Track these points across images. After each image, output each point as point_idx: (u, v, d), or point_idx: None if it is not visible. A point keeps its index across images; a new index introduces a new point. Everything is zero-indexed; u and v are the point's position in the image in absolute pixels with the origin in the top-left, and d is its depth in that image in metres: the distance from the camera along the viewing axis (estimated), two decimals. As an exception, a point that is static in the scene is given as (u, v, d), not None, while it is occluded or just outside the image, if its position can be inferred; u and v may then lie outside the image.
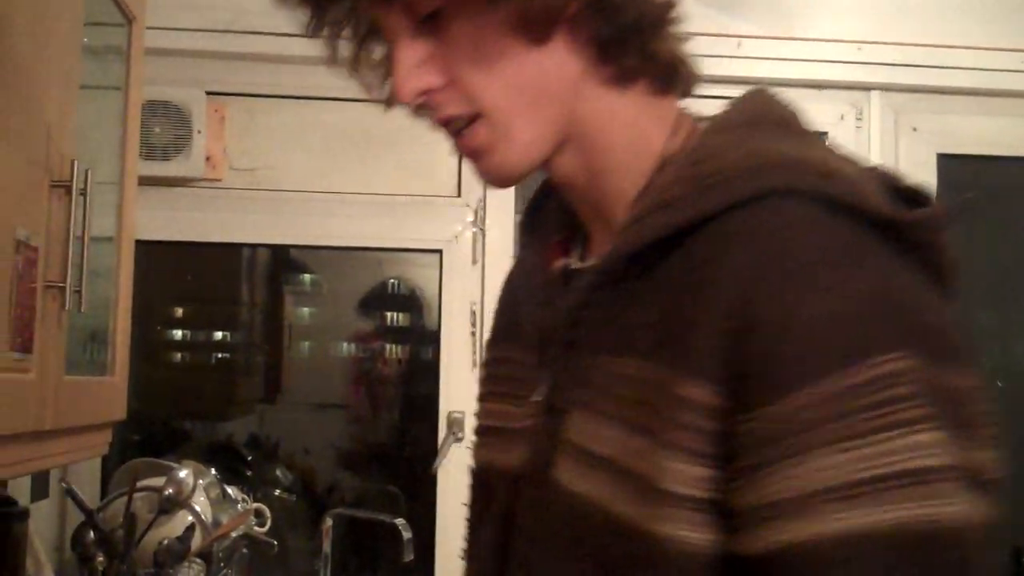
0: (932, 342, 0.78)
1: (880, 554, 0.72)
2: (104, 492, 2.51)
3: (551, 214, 1.06)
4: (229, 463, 2.83)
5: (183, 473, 2.14)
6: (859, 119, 2.98)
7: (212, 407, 3.32)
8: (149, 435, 3.03)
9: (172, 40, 2.64)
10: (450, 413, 2.82)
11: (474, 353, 2.84)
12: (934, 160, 2.99)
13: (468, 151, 0.93)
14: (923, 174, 2.96)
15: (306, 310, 3.49)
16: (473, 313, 2.85)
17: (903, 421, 0.74)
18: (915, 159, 2.97)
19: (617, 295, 0.89)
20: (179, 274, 3.28)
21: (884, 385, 0.74)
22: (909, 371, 0.75)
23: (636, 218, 0.89)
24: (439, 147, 2.92)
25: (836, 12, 2.96)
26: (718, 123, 0.92)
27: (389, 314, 3.28)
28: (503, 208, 2.87)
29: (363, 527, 2.80)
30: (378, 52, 0.97)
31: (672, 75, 0.93)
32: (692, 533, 0.79)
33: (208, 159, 2.73)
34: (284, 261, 3.34)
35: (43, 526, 2.42)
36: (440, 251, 2.87)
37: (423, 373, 3.04)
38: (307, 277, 3.43)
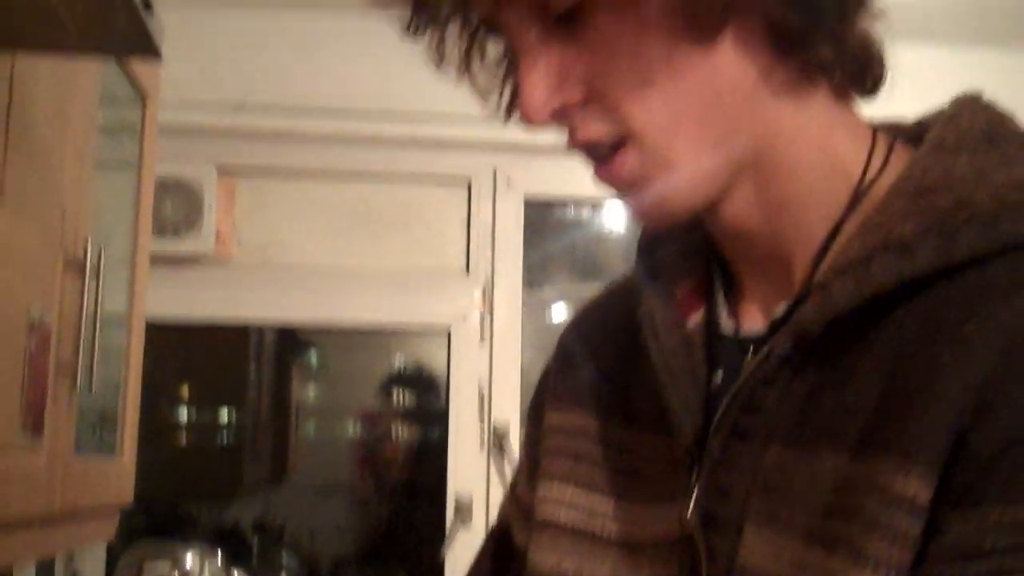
0: None
1: None
2: (109, 576, 2.46)
3: (673, 259, 0.82)
4: (235, 547, 2.78)
5: (189, 558, 2.10)
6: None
7: (218, 489, 3.28)
8: (154, 518, 2.99)
9: (184, 117, 2.64)
10: (458, 496, 2.77)
11: (482, 434, 2.80)
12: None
13: (616, 183, 0.72)
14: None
15: (312, 390, 3.47)
16: (481, 394, 2.81)
17: None
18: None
19: (809, 367, 0.70)
20: (186, 353, 3.25)
21: None
22: None
23: (856, 262, 0.67)
24: (448, 223, 2.94)
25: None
26: (941, 140, 0.70)
27: (396, 394, 3.26)
28: (511, 285, 2.85)
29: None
30: (496, 50, 0.76)
31: (863, 70, 0.72)
32: None
33: (218, 235, 2.72)
34: (291, 340, 3.32)
35: (47, 613, 2.37)
36: (448, 330, 2.85)
37: (431, 454, 3.00)
38: (314, 356, 3.41)
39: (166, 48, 2.34)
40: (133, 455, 1.88)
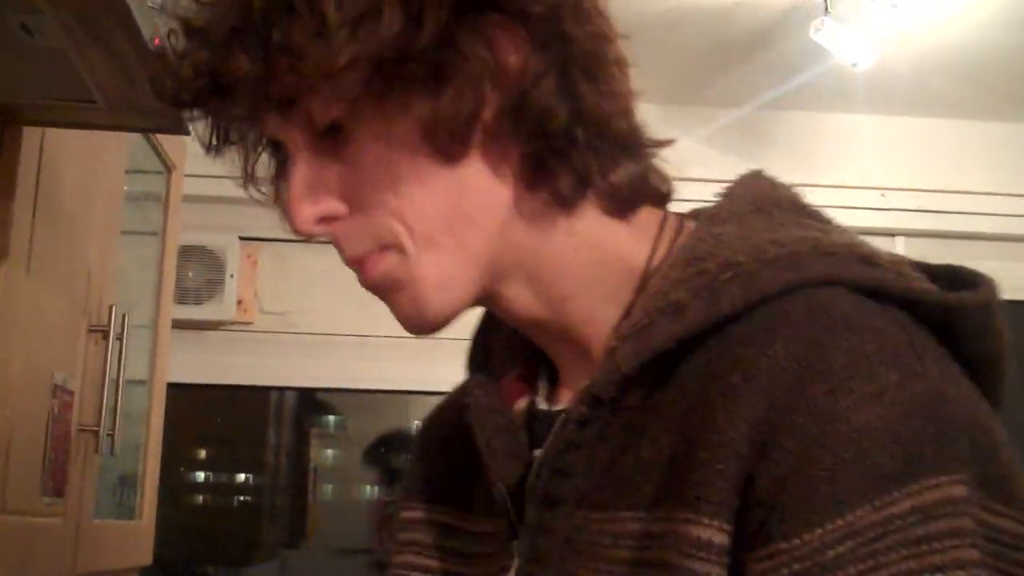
0: (990, 469, 0.64)
1: None
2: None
3: (502, 346, 0.86)
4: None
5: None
6: (884, 265, 2.99)
7: (236, 551, 3.30)
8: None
9: (207, 187, 2.68)
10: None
11: (501, 498, 2.82)
12: (960, 305, 2.99)
13: (372, 284, 0.74)
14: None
15: (331, 453, 3.49)
16: (500, 457, 2.84)
17: (945, 564, 0.60)
18: (942, 304, 2.98)
19: (610, 432, 0.73)
20: (205, 416, 3.29)
21: (928, 517, 0.61)
22: (961, 501, 0.62)
23: (636, 327, 0.71)
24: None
25: (860, 160, 3.02)
26: (716, 214, 0.76)
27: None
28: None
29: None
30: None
31: (636, 196, 0.77)
32: None
33: (240, 302, 2.77)
34: (311, 403, 3.35)
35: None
36: (468, 395, 2.87)
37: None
38: (333, 419, 3.44)
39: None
40: (152, 517, 1.91)
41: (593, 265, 0.76)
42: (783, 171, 2.32)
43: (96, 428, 1.50)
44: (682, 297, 0.70)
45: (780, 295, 0.68)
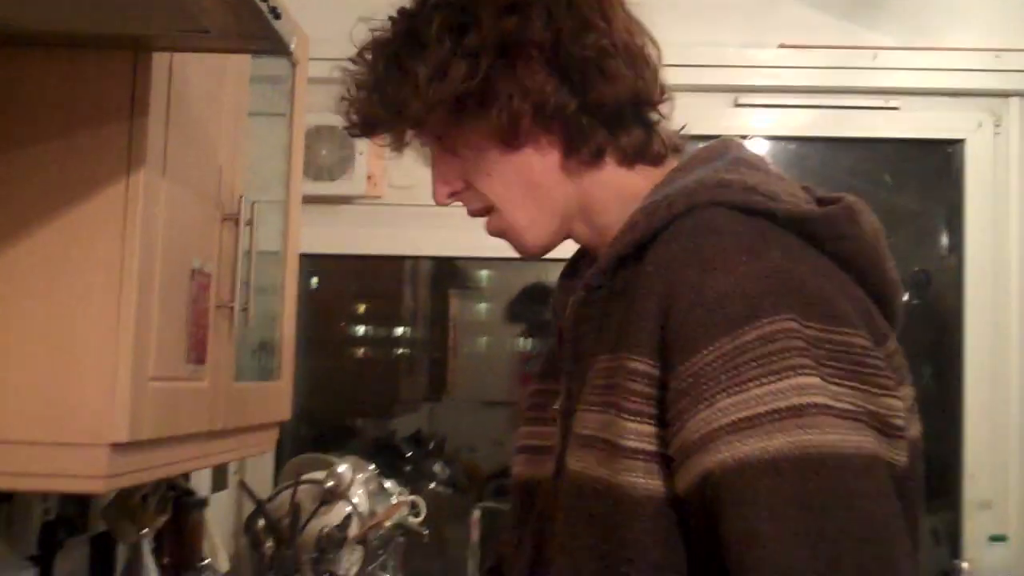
0: (821, 308, 0.98)
1: (766, 474, 0.91)
2: (277, 484, 2.76)
3: (584, 265, 1.25)
4: (390, 459, 3.06)
5: (342, 468, 2.37)
6: (997, 126, 3.01)
7: (380, 404, 3.54)
8: (321, 432, 3.29)
9: (336, 70, 2.87)
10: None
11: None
12: (1075, 165, 3.01)
13: (490, 232, 1.22)
14: (1063, 178, 2.99)
15: (470, 310, 3.66)
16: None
17: (784, 368, 0.94)
18: (1054, 163, 3.00)
19: (599, 305, 1.13)
20: (352, 287, 3.53)
21: (768, 340, 0.95)
22: (791, 330, 0.95)
23: (613, 241, 1.13)
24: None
25: (971, 20, 3.00)
26: (681, 164, 1.17)
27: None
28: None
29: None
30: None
31: (641, 155, 1.17)
32: (645, 480, 0.99)
33: (370, 178, 2.97)
34: (445, 269, 3.54)
35: (221, 515, 2.69)
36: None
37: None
38: (467, 281, 3.60)
39: (325, 4, 2.61)
40: (290, 378, 2.14)
41: (618, 202, 1.16)
42: (893, 35, 2.46)
43: (232, 304, 1.72)
44: (636, 218, 1.11)
45: (685, 214, 1.07)
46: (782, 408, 0.92)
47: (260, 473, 2.86)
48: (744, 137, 3.11)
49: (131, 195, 1.38)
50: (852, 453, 0.93)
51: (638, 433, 1.00)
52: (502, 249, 3.14)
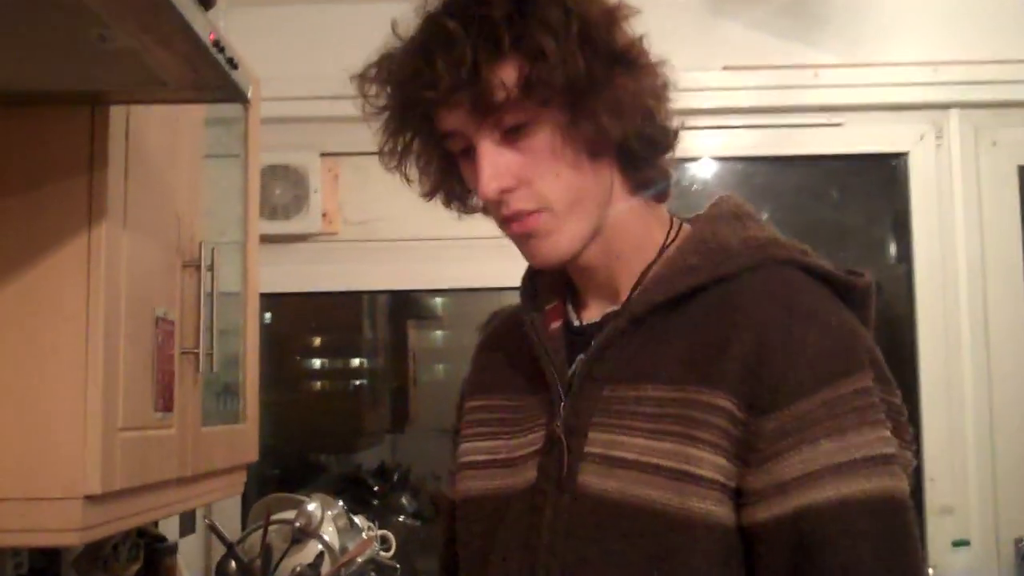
0: (879, 369, 1.12)
1: (864, 513, 1.04)
2: (244, 525, 2.76)
3: (544, 284, 1.31)
4: (357, 493, 3.06)
5: (312, 506, 2.38)
6: (939, 138, 3.08)
7: (344, 439, 3.54)
8: (286, 469, 3.29)
9: (287, 109, 2.88)
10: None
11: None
12: (1016, 172, 3.08)
13: (524, 232, 1.17)
14: (1006, 187, 3.06)
15: (428, 341, 3.67)
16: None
17: (874, 421, 1.07)
18: (996, 172, 3.07)
19: (636, 338, 1.17)
20: (308, 321, 3.52)
21: (861, 393, 1.07)
22: (873, 387, 1.09)
23: (662, 279, 1.19)
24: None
25: (908, 36, 3.07)
26: (707, 218, 1.24)
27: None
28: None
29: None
30: (434, 157, 1.24)
31: (668, 186, 1.24)
32: (718, 508, 1.08)
33: (324, 215, 2.98)
34: (404, 301, 3.55)
35: (191, 558, 2.68)
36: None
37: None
38: (430, 306, 3.60)
39: (271, 45, 2.60)
40: (256, 419, 2.14)
41: (636, 237, 1.22)
42: (834, 53, 2.50)
43: (196, 350, 1.73)
44: (693, 262, 1.17)
45: (755, 268, 1.15)
46: (875, 456, 1.06)
47: (228, 515, 2.86)
48: (692, 159, 3.18)
49: (94, 248, 1.39)
50: (907, 498, 1.07)
51: (714, 464, 1.08)
52: (457, 280, 3.15)
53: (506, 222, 1.18)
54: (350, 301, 3.46)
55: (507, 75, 1.09)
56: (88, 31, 1.14)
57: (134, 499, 1.51)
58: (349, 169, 3.05)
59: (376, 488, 3.15)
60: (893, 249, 3.21)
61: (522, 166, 1.14)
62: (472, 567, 1.27)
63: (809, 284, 1.16)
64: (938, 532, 3.00)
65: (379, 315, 3.61)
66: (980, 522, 3.00)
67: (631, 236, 1.22)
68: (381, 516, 2.90)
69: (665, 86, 1.19)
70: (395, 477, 3.27)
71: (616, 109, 1.12)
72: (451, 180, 1.26)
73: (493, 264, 3.05)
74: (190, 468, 1.71)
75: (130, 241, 1.47)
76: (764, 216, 1.27)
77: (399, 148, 1.25)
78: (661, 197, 1.25)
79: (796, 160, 3.18)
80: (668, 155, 1.22)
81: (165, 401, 1.61)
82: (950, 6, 3.07)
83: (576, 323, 1.27)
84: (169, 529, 2.43)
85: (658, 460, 1.10)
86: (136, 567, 2.06)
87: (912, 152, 3.08)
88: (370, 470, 3.31)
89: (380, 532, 2.58)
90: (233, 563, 2.32)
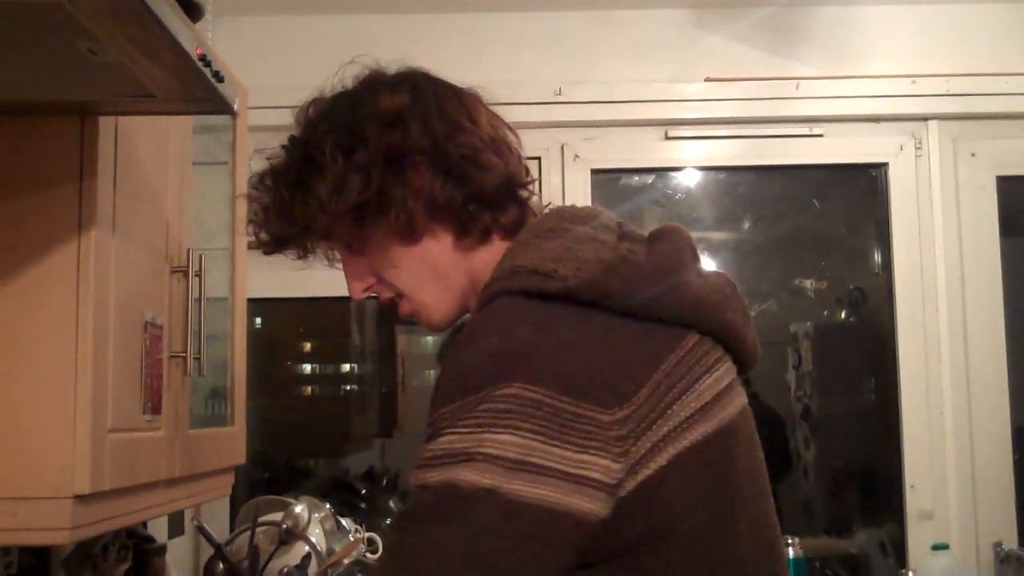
0: (549, 379, 1.12)
1: (430, 495, 1.11)
2: (232, 527, 2.79)
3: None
4: (345, 497, 3.09)
5: (299, 508, 2.41)
6: (918, 148, 3.13)
7: (334, 444, 3.57)
8: (275, 473, 3.32)
9: (276, 117, 2.91)
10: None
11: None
12: (994, 183, 3.13)
13: (402, 315, 1.38)
14: (984, 196, 3.11)
15: (421, 342, 3.69)
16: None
17: (486, 423, 1.11)
18: (975, 183, 3.12)
19: None
20: (297, 326, 3.55)
21: (485, 402, 1.11)
22: (510, 396, 1.11)
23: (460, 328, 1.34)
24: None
25: (888, 49, 3.13)
26: (515, 242, 1.29)
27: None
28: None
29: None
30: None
31: (519, 226, 1.32)
32: None
33: (313, 222, 3.01)
34: (394, 307, 3.57)
35: (179, 559, 2.71)
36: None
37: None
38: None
39: (259, 54, 2.65)
40: (243, 423, 2.18)
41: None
42: (814, 65, 2.59)
43: (184, 354, 1.77)
44: (471, 305, 1.33)
45: (488, 301, 1.22)
46: (455, 452, 1.11)
47: (216, 517, 2.89)
48: (676, 169, 3.23)
49: (83, 254, 1.43)
50: (471, 487, 1.10)
51: None
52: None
53: (386, 305, 1.40)
54: (339, 307, 3.49)
55: (299, 220, 1.32)
56: (78, 45, 1.18)
57: (123, 499, 1.55)
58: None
59: (364, 492, 3.18)
60: (877, 257, 3.25)
61: (370, 266, 1.36)
62: None
63: (506, 309, 1.20)
64: (918, 536, 3.04)
65: (367, 321, 3.63)
66: (960, 526, 3.05)
67: (486, 276, 1.31)
68: (368, 519, 2.93)
69: (476, 149, 1.31)
70: (384, 481, 3.30)
71: (397, 204, 1.29)
72: None
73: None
74: (178, 470, 1.74)
75: (119, 247, 1.51)
76: (567, 231, 1.28)
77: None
78: (516, 230, 1.32)
79: (778, 170, 3.23)
80: (514, 195, 1.34)
81: (153, 404, 1.65)
82: (929, 19, 3.13)
83: None
84: (158, 530, 2.46)
85: None
86: (125, 567, 2.09)
87: (892, 163, 3.14)
88: (358, 474, 3.34)
89: (367, 534, 2.62)
90: (221, 564, 2.36)
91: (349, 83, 1.38)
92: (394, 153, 1.29)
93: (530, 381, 1.12)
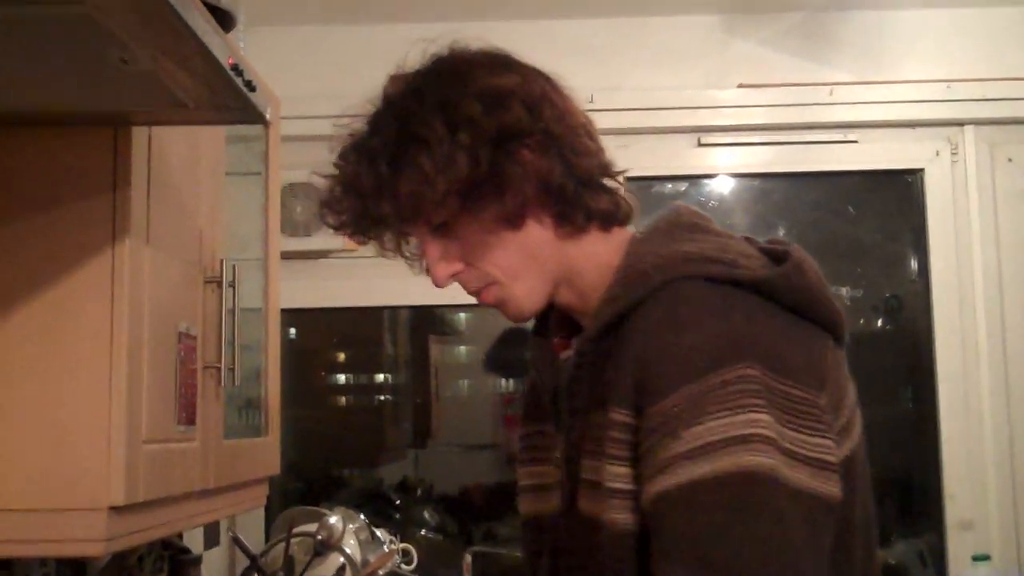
0: (773, 362, 1.12)
1: (709, 488, 1.07)
2: (268, 538, 2.79)
3: (554, 322, 1.40)
4: (379, 507, 3.09)
5: (333, 519, 2.41)
6: (954, 154, 3.10)
7: (368, 453, 3.57)
8: (309, 484, 3.32)
9: (309, 127, 2.92)
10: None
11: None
12: (1031, 187, 3.09)
13: (488, 304, 1.32)
14: (1021, 202, 3.08)
15: (450, 357, 3.70)
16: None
17: (738, 405, 1.09)
18: (1012, 188, 3.08)
19: (587, 368, 1.26)
20: (332, 337, 3.56)
21: (728, 383, 1.10)
22: (746, 371, 1.10)
23: (596, 312, 1.26)
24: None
25: (923, 54, 3.10)
26: (642, 235, 1.30)
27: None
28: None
29: (505, 561, 3.01)
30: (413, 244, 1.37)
31: (614, 216, 1.30)
32: (620, 515, 1.15)
33: (345, 232, 3.01)
34: (426, 317, 3.58)
35: (215, 570, 2.72)
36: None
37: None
38: (452, 322, 3.64)
39: (291, 63, 2.65)
40: (277, 433, 2.18)
41: (594, 266, 1.29)
42: (848, 71, 2.57)
43: (218, 365, 1.77)
44: (616, 291, 1.24)
45: (662, 287, 1.20)
46: (731, 437, 1.08)
47: (251, 528, 2.90)
48: (709, 176, 3.21)
49: (117, 265, 1.43)
50: (766, 472, 1.07)
51: (616, 474, 1.16)
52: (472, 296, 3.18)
53: (475, 295, 1.33)
54: (373, 317, 3.49)
55: (399, 198, 1.24)
56: (110, 54, 1.18)
57: (158, 510, 1.55)
58: (370, 187, 3.09)
59: (398, 502, 3.18)
60: (914, 264, 3.22)
61: (460, 250, 1.27)
62: None
63: (701, 292, 1.18)
64: (958, 547, 3.01)
65: (401, 331, 3.64)
66: (1001, 536, 3.01)
67: (588, 273, 1.29)
68: (403, 530, 2.93)
69: (575, 131, 1.27)
70: (418, 492, 3.30)
71: (512, 185, 1.23)
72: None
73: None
74: (212, 480, 1.74)
75: (153, 257, 1.51)
76: (714, 228, 1.29)
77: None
78: (613, 224, 1.30)
79: (812, 176, 3.20)
80: (606, 186, 1.29)
81: (188, 414, 1.65)
82: (963, 24, 3.10)
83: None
84: (194, 541, 2.47)
85: (594, 477, 1.20)
86: (160, 578, 2.10)
87: (928, 168, 3.11)
88: (392, 484, 3.34)
89: (402, 545, 2.61)
90: (256, 575, 2.36)
91: (429, 61, 1.32)
92: (506, 133, 1.23)
93: (758, 363, 1.11)
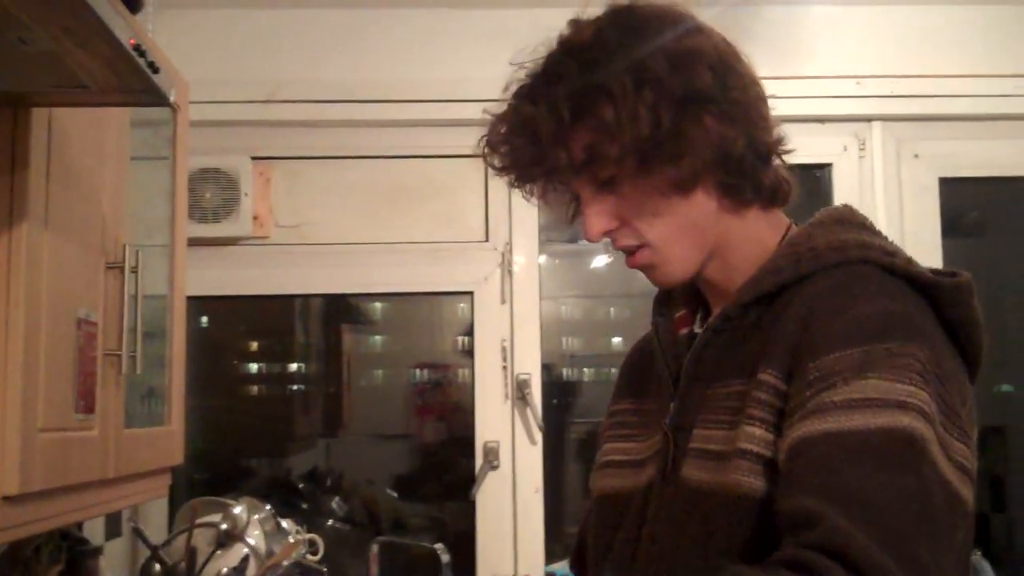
0: (937, 356, 1.11)
1: (862, 441, 1.03)
2: (171, 529, 2.75)
3: (675, 298, 1.40)
4: (287, 497, 3.06)
5: (238, 509, 2.38)
6: (862, 149, 3.15)
7: (275, 443, 3.54)
8: (215, 474, 3.28)
9: (219, 112, 2.89)
10: (486, 443, 3.03)
11: (505, 386, 3.05)
12: (936, 184, 3.16)
13: (636, 266, 1.28)
14: (926, 197, 3.13)
15: (362, 346, 3.67)
16: (504, 349, 3.06)
17: (902, 375, 1.06)
18: (918, 183, 3.14)
19: (731, 337, 1.24)
20: (244, 325, 3.52)
21: (896, 354, 1.08)
22: (915, 351, 1.09)
23: (753, 280, 1.25)
24: (467, 197, 3.17)
25: (833, 50, 3.14)
26: (813, 222, 1.28)
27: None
28: (528, 250, 3.09)
29: (413, 552, 3.00)
30: (564, 195, 1.33)
31: (776, 195, 1.28)
32: (746, 478, 1.13)
33: (256, 218, 2.99)
34: (339, 303, 3.55)
35: (116, 561, 2.67)
36: (471, 292, 3.09)
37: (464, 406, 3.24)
38: (366, 311, 3.61)
39: (202, 48, 2.59)
40: (181, 422, 2.14)
41: (750, 247, 1.27)
42: (760, 64, 2.58)
43: (119, 352, 1.73)
44: (781, 263, 1.23)
45: (835, 266, 1.19)
46: (889, 399, 1.05)
47: (154, 519, 2.85)
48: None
49: (14, 249, 1.39)
50: (918, 436, 1.04)
51: (751, 436, 1.14)
52: (389, 285, 3.18)
53: (624, 254, 1.29)
54: (286, 306, 3.45)
55: (575, 147, 1.21)
56: (8, 33, 1.15)
57: (55, 500, 1.51)
58: (281, 173, 3.07)
59: (306, 492, 3.15)
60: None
61: (620, 208, 1.24)
62: (596, 558, 1.36)
63: (878, 277, 1.17)
64: None
65: (314, 320, 3.60)
66: None
67: (743, 249, 1.27)
68: (310, 520, 2.90)
69: (756, 101, 1.25)
70: (327, 482, 3.27)
71: (693, 151, 1.18)
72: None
73: (426, 269, 3.10)
74: (112, 470, 1.71)
75: (52, 242, 1.48)
76: (879, 232, 1.28)
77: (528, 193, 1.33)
78: (774, 203, 1.29)
79: (723, 169, 3.23)
80: (773, 163, 1.27)
81: (87, 402, 1.62)
82: (874, 20, 3.15)
83: (698, 329, 1.34)
84: (95, 532, 2.43)
85: (722, 447, 1.18)
86: (58, 569, 2.05)
87: (836, 163, 3.15)
88: (301, 475, 3.30)
89: (307, 536, 2.58)
90: (157, 566, 2.32)
91: (611, 11, 1.26)
92: (691, 96, 1.18)
93: (925, 347, 1.10)
